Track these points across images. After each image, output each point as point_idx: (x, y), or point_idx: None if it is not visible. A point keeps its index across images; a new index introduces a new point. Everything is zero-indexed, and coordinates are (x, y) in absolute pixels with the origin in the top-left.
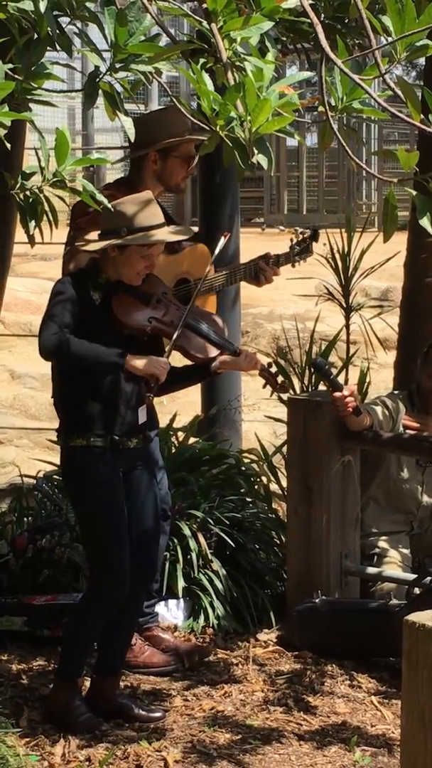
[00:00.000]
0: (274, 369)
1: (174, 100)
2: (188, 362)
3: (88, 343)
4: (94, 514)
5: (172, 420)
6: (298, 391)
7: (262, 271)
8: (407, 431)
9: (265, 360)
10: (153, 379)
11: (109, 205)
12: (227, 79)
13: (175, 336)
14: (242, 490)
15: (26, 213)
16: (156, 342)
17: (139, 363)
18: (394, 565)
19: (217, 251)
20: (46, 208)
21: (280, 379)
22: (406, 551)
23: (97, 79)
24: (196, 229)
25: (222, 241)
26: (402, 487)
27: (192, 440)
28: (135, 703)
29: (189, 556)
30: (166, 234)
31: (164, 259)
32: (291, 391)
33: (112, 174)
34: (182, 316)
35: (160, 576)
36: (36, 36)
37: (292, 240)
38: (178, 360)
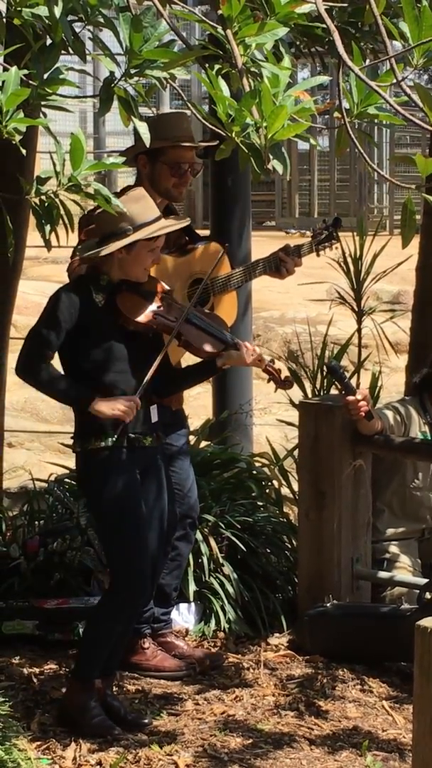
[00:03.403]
0: (277, 366)
1: (188, 104)
2: (195, 359)
3: (63, 382)
4: (116, 518)
5: None
6: (309, 394)
7: (283, 262)
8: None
9: (268, 357)
10: (120, 421)
11: (124, 209)
12: (243, 84)
13: (174, 331)
14: (253, 494)
15: (42, 217)
16: (158, 340)
17: (104, 408)
18: (404, 570)
19: (211, 270)
20: (62, 212)
21: (284, 374)
22: (416, 556)
23: (112, 85)
24: (206, 232)
25: (219, 256)
26: (416, 495)
27: (203, 444)
28: (124, 707)
29: (200, 560)
30: (169, 223)
31: (174, 260)
32: (302, 395)
33: (124, 177)
34: (184, 312)
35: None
36: (50, 41)
37: (312, 230)
38: (188, 358)
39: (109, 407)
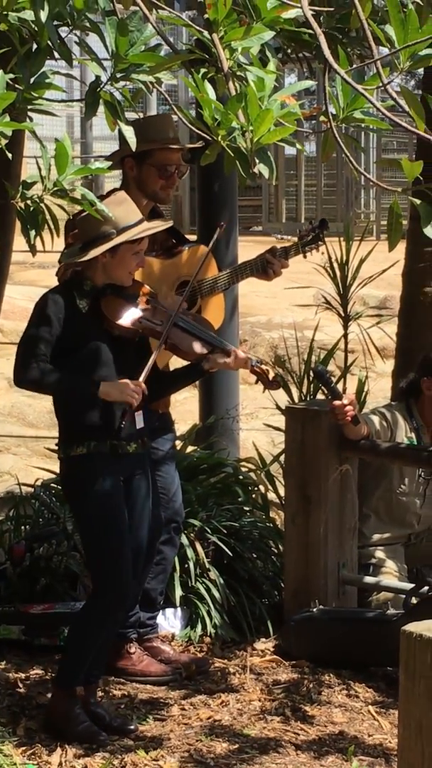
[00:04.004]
0: (265, 366)
1: (174, 108)
2: (183, 363)
3: (63, 375)
4: (97, 523)
5: None
6: (296, 399)
7: (269, 264)
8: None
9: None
10: (126, 405)
11: (110, 214)
12: (228, 88)
13: (163, 335)
14: (240, 499)
15: (27, 222)
16: (145, 343)
17: (112, 390)
18: (390, 575)
19: (212, 243)
20: (47, 217)
21: (271, 374)
22: (402, 561)
23: (98, 89)
24: (193, 237)
25: (217, 232)
26: (403, 500)
27: (190, 449)
28: (109, 714)
29: (186, 565)
30: (152, 225)
31: (161, 263)
32: (288, 400)
33: (111, 182)
34: (170, 315)
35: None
36: (36, 46)
37: (299, 231)
38: (175, 361)
39: (117, 390)
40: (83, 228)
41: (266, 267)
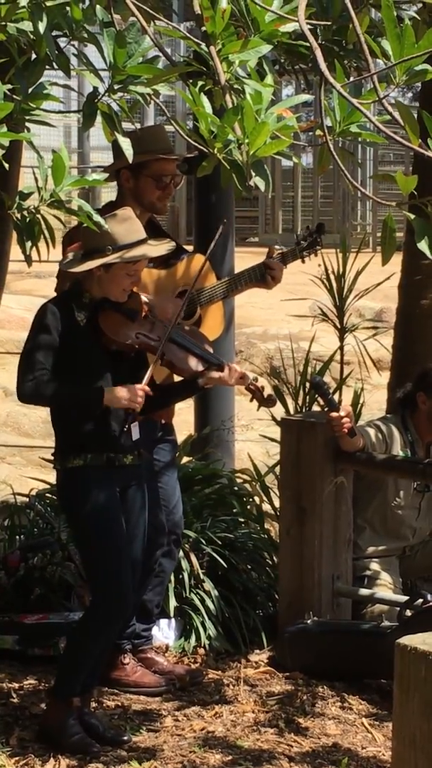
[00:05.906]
0: (260, 383)
1: (171, 120)
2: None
3: (66, 386)
4: (94, 535)
5: None
6: (291, 411)
7: (269, 269)
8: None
9: (252, 375)
10: (130, 410)
11: (106, 225)
12: (225, 101)
13: (159, 351)
14: (235, 510)
15: (23, 233)
16: (142, 357)
17: (115, 397)
18: (385, 587)
19: (213, 243)
20: (43, 227)
21: (266, 392)
22: (397, 574)
23: (96, 100)
24: (190, 247)
25: (220, 229)
26: (398, 513)
27: (185, 460)
28: (103, 724)
29: (181, 576)
30: (150, 249)
31: (158, 273)
32: (284, 412)
33: (107, 192)
34: (167, 331)
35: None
36: (34, 56)
37: (296, 236)
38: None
39: (121, 396)
40: (85, 237)
41: (265, 274)
